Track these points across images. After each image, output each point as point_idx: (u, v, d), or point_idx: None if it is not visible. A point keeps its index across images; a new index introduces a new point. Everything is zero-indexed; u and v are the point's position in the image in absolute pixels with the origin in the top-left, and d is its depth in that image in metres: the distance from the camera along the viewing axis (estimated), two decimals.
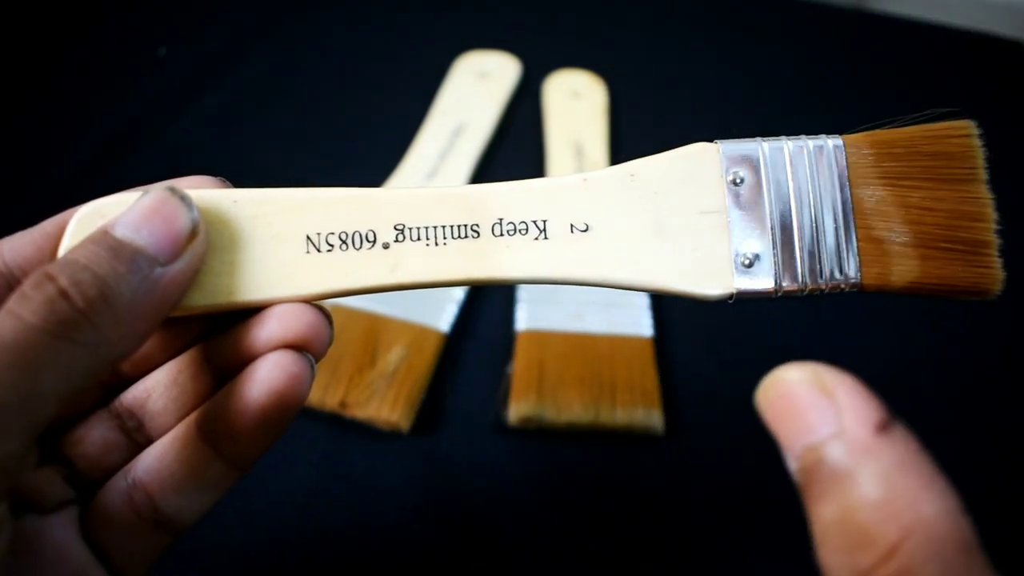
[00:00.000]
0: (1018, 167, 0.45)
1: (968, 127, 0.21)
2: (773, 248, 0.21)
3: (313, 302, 0.22)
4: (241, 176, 0.53)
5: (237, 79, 0.56)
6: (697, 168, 0.22)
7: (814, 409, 0.17)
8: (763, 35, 0.64)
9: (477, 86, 0.55)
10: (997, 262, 0.21)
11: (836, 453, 0.16)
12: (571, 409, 0.37)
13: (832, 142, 0.22)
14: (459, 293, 0.42)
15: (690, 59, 0.61)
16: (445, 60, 0.57)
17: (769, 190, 0.21)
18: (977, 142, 0.21)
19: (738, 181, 0.21)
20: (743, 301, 0.21)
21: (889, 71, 0.60)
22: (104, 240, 0.19)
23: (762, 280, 0.21)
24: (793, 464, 0.17)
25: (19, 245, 0.22)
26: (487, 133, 0.52)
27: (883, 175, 0.21)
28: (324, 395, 0.37)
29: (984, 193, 0.21)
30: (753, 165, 0.21)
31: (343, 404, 0.37)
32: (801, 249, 0.21)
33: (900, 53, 0.62)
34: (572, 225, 0.21)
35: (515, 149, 0.52)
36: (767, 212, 0.21)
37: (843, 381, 0.17)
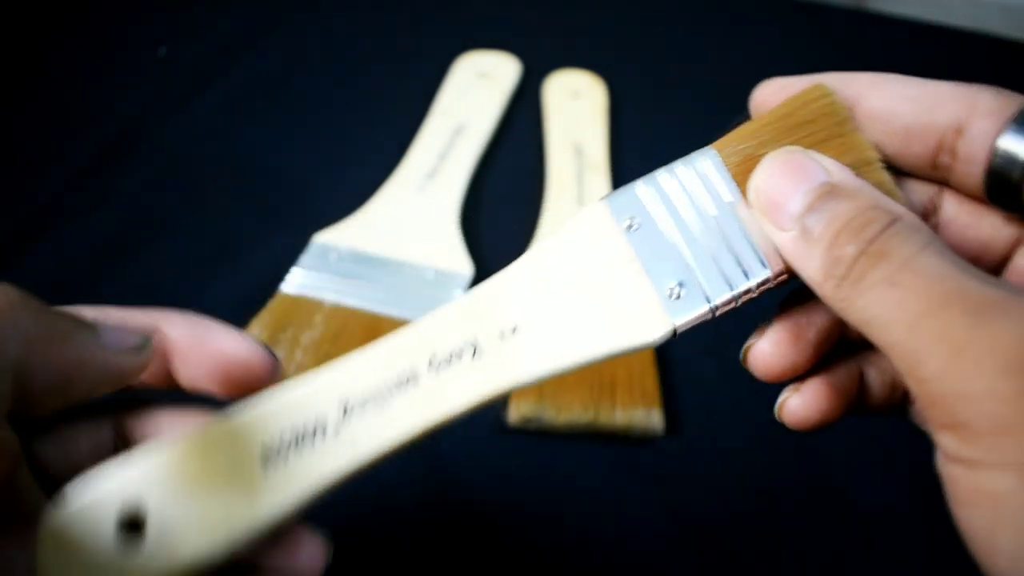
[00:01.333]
0: None
1: (821, 88, 0.22)
2: (691, 272, 0.21)
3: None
4: (241, 176, 0.54)
5: (237, 79, 0.56)
6: (593, 231, 0.22)
7: (811, 162, 0.20)
8: (763, 35, 0.64)
9: (477, 86, 0.55)
10: (900, 196, 0.21)
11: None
12: (571, 409, 0.37)
13: (704, 156, 0.22)
14: (459, 293, 0.42)
15: (690, 59, 0.61)
16: (445, 60, 0.57)
17: (666, 221, 0.22)
18: (835, 97, 0.22)
19: (634, 226, 0.22)
20: (691, 331, 0.22)
21: (889, 71, 0.60)
22: None
23: (695, 304, 0.21)
24: (803, 201, 0.20)
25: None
26: (487, 133, 0.52)
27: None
28: None
29: (859, 139, 0.22)
30: (641, 206, 0.22)
31: None
32: (716, 262, 0.21)
33: (900, 53, 0.62)
34: (502, 332, 0.21)
35: (515, 149, 0.52)
36: (673, 242, 0.21)
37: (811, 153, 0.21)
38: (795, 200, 0.20)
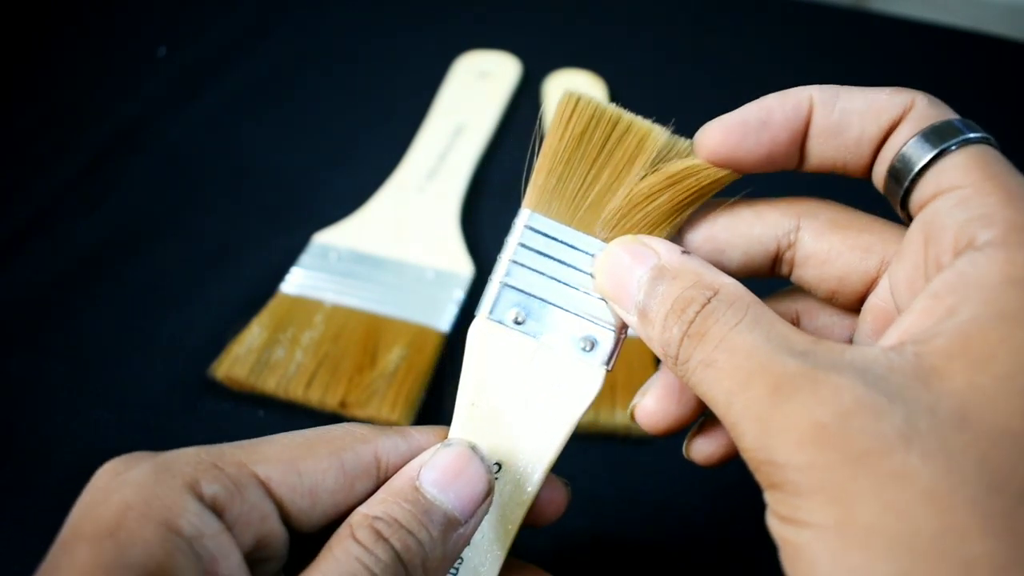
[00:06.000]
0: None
1: (571, 96, 0.23)
2: (586, 323, 0.23)
3: None
4: (241, 176, 0.54)
5: (237, 79, 0.56)
6: (493, 347, 0.24)
7: (642, 248, 0.22)
8: (763, 35, 0.64)
9: (477, 86, 0.55)
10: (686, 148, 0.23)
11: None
12: None
13: (520, 217, 0.24)
14: (459, 293, 0.42)
15: (690, 59, 0.61)
16: (445, 60, 0.57)
17: (539, 292, 0.24)
18: (589, 98, 0.23)
19: (520, 319, 0.23)
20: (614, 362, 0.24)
21: (889, 71, 0.60)
22: (416, 500, 0.21)
23: (606, 339, 0.24)
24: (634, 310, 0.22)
25: (392, 448, 0.23)
26: (487, 133, 0.52)
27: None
28: (324, 395, 0.37)
29: (638, 126, 0.23)
30: (512, 299, 0.24)
31: (343, 404, 0.37)
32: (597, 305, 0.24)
33: (900, 53, 0.62)
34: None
35: (515, 149, 0.52)
36: (559, 305, 0.23)
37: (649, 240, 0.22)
38: (632, 286, 0.22)
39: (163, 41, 0.59)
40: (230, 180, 0.50)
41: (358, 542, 0.20)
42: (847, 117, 0.22)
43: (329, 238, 0.44)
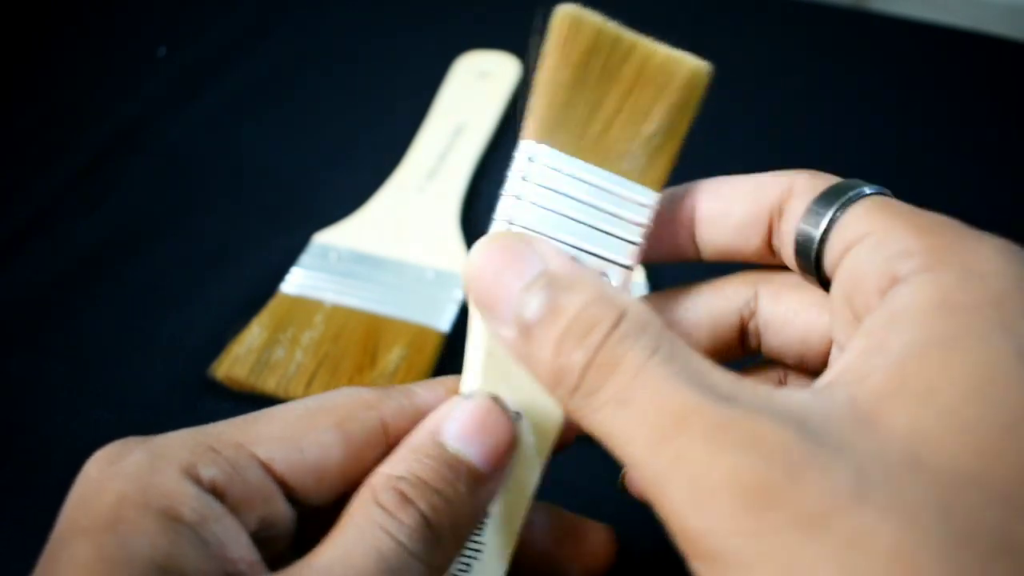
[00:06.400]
0: (1019, 166, 0.45)
1: (565, 15, 0.22)
2: (598, 256, 0.22)
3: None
4: (241, 176, 0.54)
5: (237, 79, 0.56)
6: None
7: (524, 247, 0.20)
8: (763, 35, 0.64)
9: (477, 86, 0.55)
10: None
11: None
12: None
13: (522, 150, 0.23)
14: (459, 293, 0.42)
15: None
16: (445, 60, 0.57)
17: (549, 231, 0.22)
18: (583, 15, 0.23)
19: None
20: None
21: (889, 71, 0.60)
22: (440, 455, 0.19)
23: (618, 278, 0.22)
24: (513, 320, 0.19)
25: (398, 411, 0.22)
26: (487, 133, 0.52)
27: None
28: None
29: (643, 47, 0.23)
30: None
31: None
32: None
33: (900, 53, 0.62)
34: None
35: (515, 149, 0.52)
36: (569, 244, 0.22)
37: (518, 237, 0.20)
38: (510, 294, 0.19)
39: (163, 41, 0.59)
40: (230, 180, 0.50)
41: (382, 507, 0.18)
42: (728, 204, 0.22)
43: (329, 238, 0.44)
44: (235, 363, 0.38)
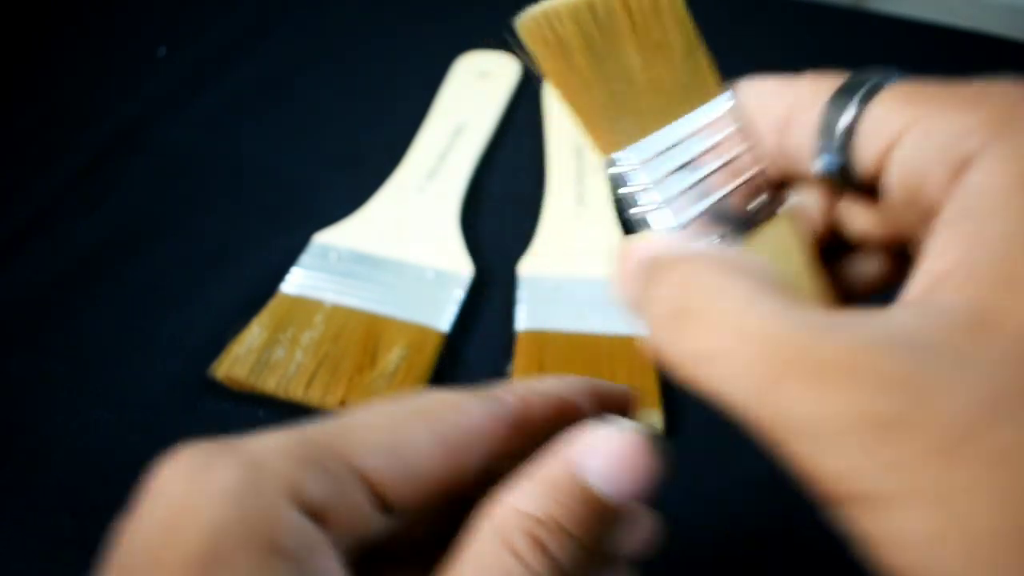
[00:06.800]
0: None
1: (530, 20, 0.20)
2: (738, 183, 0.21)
3: None
4: (241, 176, 0.54)
5: (237, 79, 0.56)
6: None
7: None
8: (762, 34, 0.64)
9: (477, 86, 0.55)
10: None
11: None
12: None
13: (609, 168, 0.21)
14: (459, 293, 0.42)
15: None
16: (445, 60, 0.57)
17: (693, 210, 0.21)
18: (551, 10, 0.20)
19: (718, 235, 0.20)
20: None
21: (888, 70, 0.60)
22: (580, 494, 0.18)
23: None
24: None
25: (488, 413, 0.20)
26: (487, 133, 0.52)
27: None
28: (324, 395, 0.37)
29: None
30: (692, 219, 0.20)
31: (343, 404, 0.37)
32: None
33: (900, 53, 0.62)
34: None
35: (515, 149, 0.52)
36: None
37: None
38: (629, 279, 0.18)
39: (163, 41, 0.59)
40: (230, 180, 0.50)
41: (516, 554, 0.17)
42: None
43: (329, 238, 0.44)
44: (235, 363, 0.38)
